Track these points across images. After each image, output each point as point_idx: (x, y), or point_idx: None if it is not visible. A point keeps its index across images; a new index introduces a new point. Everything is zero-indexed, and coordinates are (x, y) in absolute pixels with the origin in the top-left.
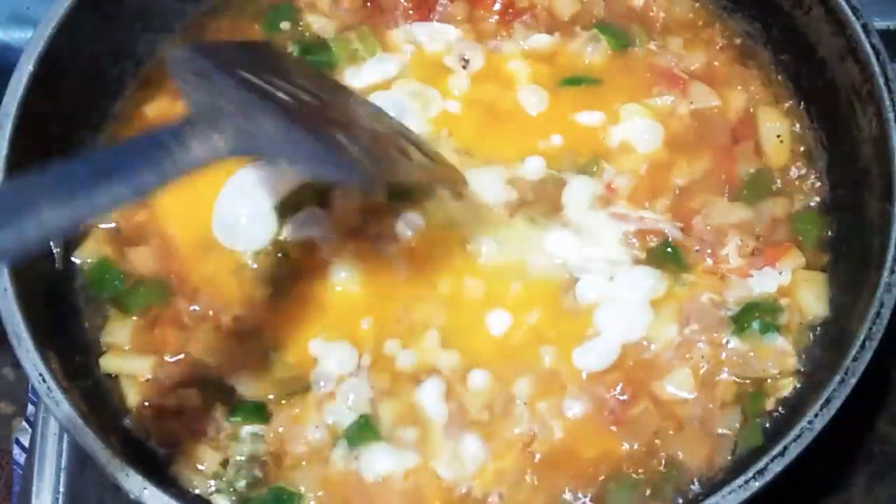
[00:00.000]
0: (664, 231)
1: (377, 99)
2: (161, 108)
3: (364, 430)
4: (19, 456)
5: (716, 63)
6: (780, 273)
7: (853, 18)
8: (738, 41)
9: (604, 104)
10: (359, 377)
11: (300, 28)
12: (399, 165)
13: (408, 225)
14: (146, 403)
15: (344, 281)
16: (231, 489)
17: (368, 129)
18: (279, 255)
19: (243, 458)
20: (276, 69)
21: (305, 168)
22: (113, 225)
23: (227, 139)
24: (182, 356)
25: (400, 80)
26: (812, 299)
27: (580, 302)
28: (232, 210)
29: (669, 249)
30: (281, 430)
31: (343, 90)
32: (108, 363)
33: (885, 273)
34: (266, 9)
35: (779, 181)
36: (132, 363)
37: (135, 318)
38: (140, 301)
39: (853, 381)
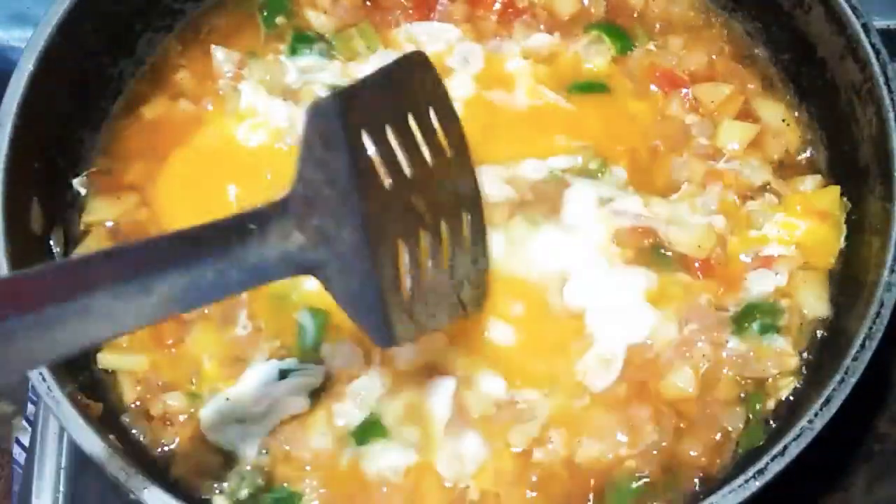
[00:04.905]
0: (664, 230)
1: None
2: (160, 109)
3: (373, 428)
4: (19, 456)
5: (716, 63)
6: (779, 274)
7: (853, 18)
8: (738, 41)
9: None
10: (370, 375)
11: (299, 25)
12: (436, 322)
13: None
14: (138, 404)
15: None
16: (234, 500)
17: (437, 266)
18: None
19: (247, 468)
20: (416, 103)
21: (345, 309)
22: (112, 223)
23: (303, 243)
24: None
25: None
26: (812, 299)
27: (578, 302)
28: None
29: (669, 251)
30: (284, 436)
31: (464, 152)
32: (106, 359)
33: (885, 273)
34: (264, 5)
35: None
36: (129, 359)
37: None
38: None
39: (853, 380)
